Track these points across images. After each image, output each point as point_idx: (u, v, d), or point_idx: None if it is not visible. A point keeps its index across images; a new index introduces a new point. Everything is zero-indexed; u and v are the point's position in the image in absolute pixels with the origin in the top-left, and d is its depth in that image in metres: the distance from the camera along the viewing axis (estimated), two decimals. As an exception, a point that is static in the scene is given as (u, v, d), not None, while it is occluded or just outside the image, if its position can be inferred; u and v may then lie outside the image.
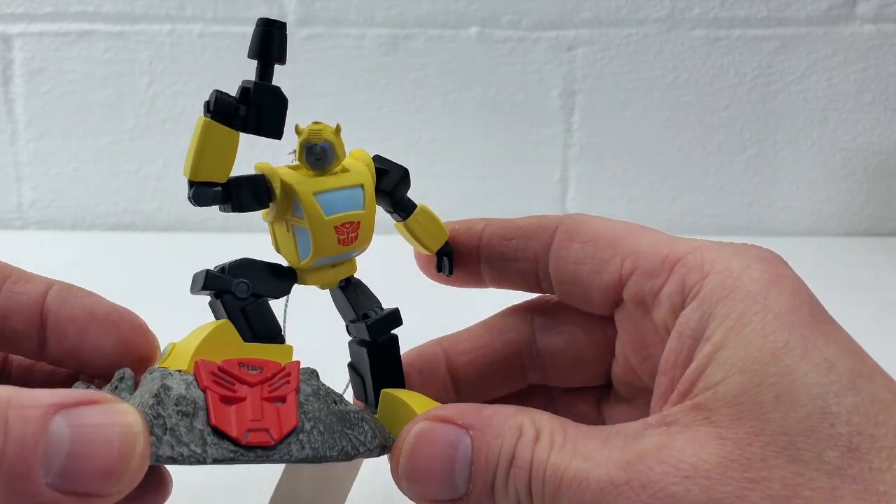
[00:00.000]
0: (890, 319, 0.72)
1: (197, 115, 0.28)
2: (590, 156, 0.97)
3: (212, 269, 0.29)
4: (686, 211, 0.99)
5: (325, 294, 0.33)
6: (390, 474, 0.27)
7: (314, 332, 0.33)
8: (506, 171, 0.97)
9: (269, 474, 0.46)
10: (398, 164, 0.32)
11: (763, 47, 0.95)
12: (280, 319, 0.30)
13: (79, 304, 0.28)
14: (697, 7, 0.94)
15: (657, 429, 0.23)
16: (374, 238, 0.31)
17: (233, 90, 0.29)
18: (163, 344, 0.28)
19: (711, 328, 0.24)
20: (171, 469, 0.28)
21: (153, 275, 0.80)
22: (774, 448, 0.21)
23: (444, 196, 0.97)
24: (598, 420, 0.33)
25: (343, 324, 0.33)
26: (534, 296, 0.34)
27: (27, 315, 0.28)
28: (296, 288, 0.31)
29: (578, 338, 0.32)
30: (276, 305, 0.30)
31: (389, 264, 0.38)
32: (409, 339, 0.34)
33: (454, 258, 0.33)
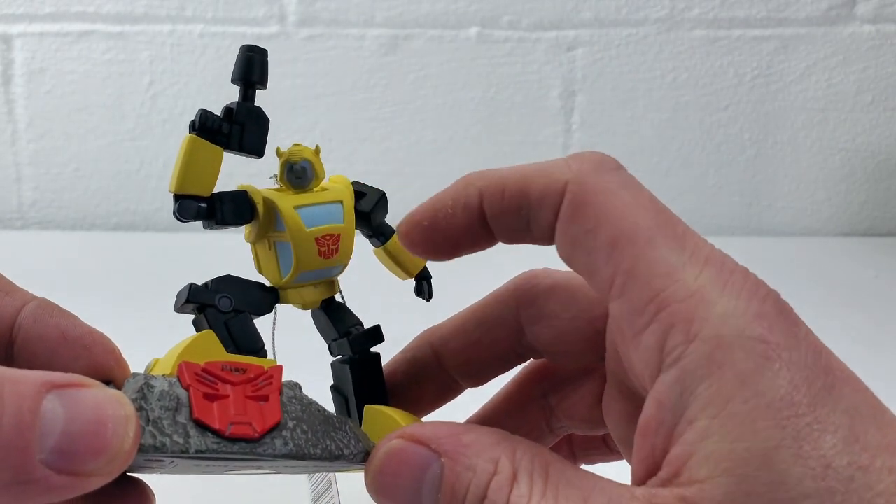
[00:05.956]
0: (890, 319, 0.72)
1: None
2: (590, 156, 0.97)
3: (195, 284, 0.29)
4: (686, 211, 0.98)
5: (309, 323, 0.33)
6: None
7: (297, 362, 0.33)
8: (506, 171, 0.97)
9: (269, 479, 0.46)
10: (376, 188, 0.33)
11: (763, 47, 0.95)
12: (267, 341, 0.30)
13: (52, 323, 0.27)
14: (697, 7, 0.94)
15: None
16: (364, 252, 0.32)
17: (232, 91, 0.30)
18: (164, 349, 0.28)
19: (693, 410, 0.22)
20: (173, 478, 0.28)
21: (153, 275, 0.80)
22: None
23: (444, 196, 0.97)
24: (598, 415, 0.32)
25: (326, 356, 0.33)
26: (516, 277, 0.33)
27: (1, 328, 0.27)
28: (280, 316, 0.31)
29: (567, 331, 0.31)
30: (262, 329, 0.31)
31: (377, 275, 0.38)
32: (398, 347, 0.34)
33: (444, 241, 0.30)
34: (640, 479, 0.24)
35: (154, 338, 0.30)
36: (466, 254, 0.31)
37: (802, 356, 0.22)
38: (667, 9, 0.94)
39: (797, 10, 0.94)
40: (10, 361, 0.28)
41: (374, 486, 0.26)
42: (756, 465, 0.21)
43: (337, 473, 0.39)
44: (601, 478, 0.24)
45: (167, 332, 0.29)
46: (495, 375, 0.34)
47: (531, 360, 0.34)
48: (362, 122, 0.95)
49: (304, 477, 0.43)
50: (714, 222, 0.99)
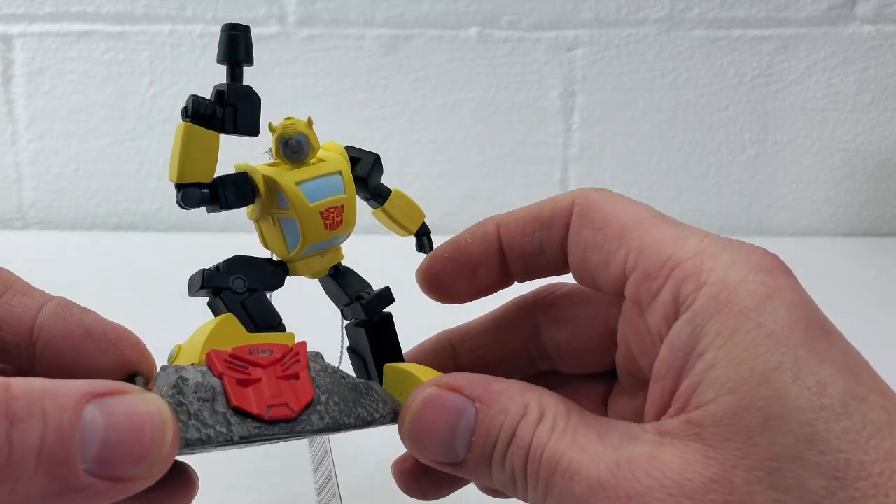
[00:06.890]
0: (890, 319, 0.72)
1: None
2: (590, 156, 0.97)
3: (207, 268, 0.30)
4: (686, 211, 0.99)
5: (314, 289, 0.33)
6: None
7: (307, 326, 0.34)
8: (506, 171, 0.97)
9: (268, 473, 0.46)
10: (370, 151, 0.33)
11: (763, 47, 0.95)
12: None
13: (74, 321, 0.28)
14: (697, 7, 0.94)
15: (651, 435, 0.24)
16: (373, 238, 0.32)
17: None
18: (167, 348, 0.28)
19: (703, 344, 0.24)
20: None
21: (153, 275, 0.80)
22: (759, 473, 0.21)
23: (444, 196, 0.97)
24: (602, 412, 0.33)
25: (331, 317, 0.34)
26: (538, 286, 0.34)
27: (21, 328, 0.28)
28: (286, 285, 0.32)
29: (582, 330, 0.33)
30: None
31: (386, 262, 0.38)
32: (408, 327, 0.34)
33: (464, 273, 0.33)
34: (652, 420, 0.25)
35: (155, 338, 0.30)
36: (483, 294, 0.33)
37: (800, 300, 0.25)
38: (667, 9, 0.94)
39: (797, 10, 0.94)
40: (32, 361, 0.28)
41: (410, 433, 0.27)
42: (756, 383, 0.22)
43: (331, 440, 0.40)
44: (616, 420, 0.26)
45: (169, 332, 0.29)
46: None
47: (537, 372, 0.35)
48: (362, 122, 0.95)
49: (305, 447, 0.43)
50: (714, 222, 0.99)
